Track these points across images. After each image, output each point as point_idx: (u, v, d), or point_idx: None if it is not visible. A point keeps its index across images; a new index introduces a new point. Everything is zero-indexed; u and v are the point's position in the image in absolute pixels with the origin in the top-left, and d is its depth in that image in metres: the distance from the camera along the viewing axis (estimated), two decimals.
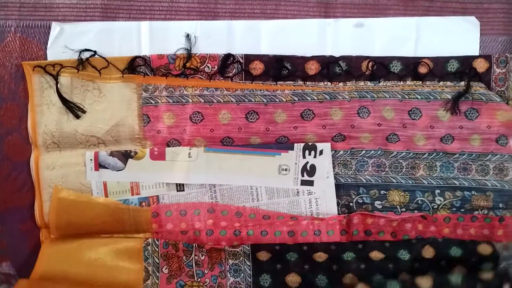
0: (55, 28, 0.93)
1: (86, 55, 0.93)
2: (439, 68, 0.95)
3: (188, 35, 0.93)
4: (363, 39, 0.97)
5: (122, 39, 0.94)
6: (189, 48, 0.93)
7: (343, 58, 0.95)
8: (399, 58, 0.95)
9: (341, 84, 0.96)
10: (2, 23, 0.94)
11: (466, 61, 0.95)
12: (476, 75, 0.95)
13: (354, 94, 0.95)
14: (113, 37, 0.94)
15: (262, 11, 0.96)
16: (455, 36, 0.97)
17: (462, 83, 0.95)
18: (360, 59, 0.95)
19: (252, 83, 0.95)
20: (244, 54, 0.94)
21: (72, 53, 0.93)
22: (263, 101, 0.94)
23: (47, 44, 0.93)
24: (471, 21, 0.97)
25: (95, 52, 0.92)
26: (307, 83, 0.95)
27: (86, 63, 0.92)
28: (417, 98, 0.95)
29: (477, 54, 0.97)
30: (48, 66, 0.91)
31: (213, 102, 0.94)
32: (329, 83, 0.96)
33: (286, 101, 0.95)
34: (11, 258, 0.96)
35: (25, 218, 0.95)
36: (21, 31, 0.93)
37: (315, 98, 0.95)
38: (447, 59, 0.95)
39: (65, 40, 0.93)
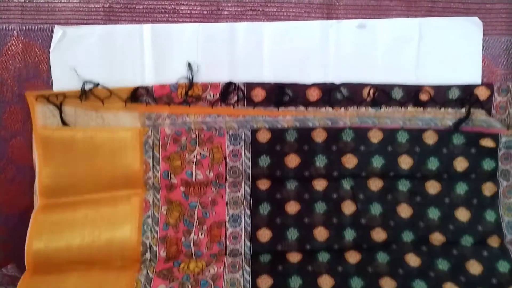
0: (58, 31, 0.93)
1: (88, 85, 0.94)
2: (440, 96, 0.96)
3: (189, 64, 0.93)
4: (366, 40, 0.97)
5: (125, 42, 0.94)
6: (190, 77, 0.93)
7: (344, 84, 0.95)
8: (400, 86, 0.95)
9: (342, 109, 0.96)
10: (5, 26, 0.94)
11: (467, 89, 0.96)
12: (477, 101, 0.95)
13: (355, 120, 0.95)
14: (115, 40, 0.94)
15: (265, 13, 0.96)
16: (458, 37, 0.97)
17: (463, 109, 0.95)
18: (361, 86, 0.95)
19: (254, 109, 0.95)
20: (246, 82, 0.94)
21: (76, 57, 0.94)
22: (265, 127, 0.95)
23: (50, 47, 0.94)
24: (474, 22, 0.97)
25: (97, 84, 0.93)
26: (309, 109, 0.96)
27: (89, 93, 0.93)
28: (419, 124, 0.95)
29: (480, 54, 0.97)
30: (51, 96, 0.92)
31: (216, 128, 0.95)
32: (330, 109, 0.96)
33: (288, 126, 0.95)
34: (16, 261, 0.96)
35: (29, 222, 0.94)
36: (23, 35, 0.94)
37: (317, 123, 0.95)
38: (448, 87, 0.96)
39: (68, 43, 0.94)
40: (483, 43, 0.97)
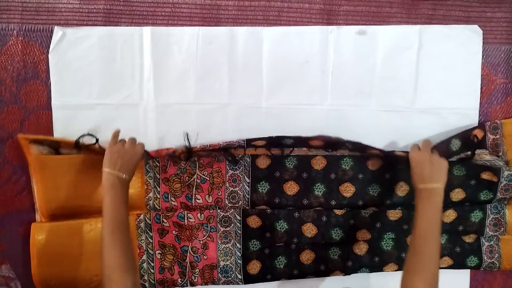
0: (58, 32, 0.93)
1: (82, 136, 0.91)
2: (443, 150, 0.95)
3: (187, 135, 0.94)
4: (366, 47, 0.97)
5: (124, 44, 0.94)
6: (189, 146, 0.93)
7: (349, 142, 0.94)
8: (405, 152, 0.91)
9: (346, 151, 0.97)
10: (4, 26, 0.94)
11: (465, 135, 0.96)
12: (478, 142, 0.96)
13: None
14: (115, 42, 0.94)
15: (265, 18, 0.96)
16: (458, 45, 0.97)
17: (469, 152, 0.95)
18: (368, 148, 0.94)
19: (255, 149, 0.95)
20: (246, 139, 0.93)
21: (75, 58, 0.94)
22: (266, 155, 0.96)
23: (49, 48, 0.93)
24: (474, 30, 0.97)
25: (97, 139, 0.91)
26: (311, 149, 0.96)
27: (84, 147, 0.91)
28: None
29: (480, 63, 0.98)
30: (46, 141, 0.91)
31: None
32: (334, 152, 0.97)
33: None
34: (11, 261, 0.96)
35: (24, 221, 0.95)
36: (23, 35, 0.94)
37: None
38: (449, 141, 0.96)
39: (67, 44, 0.93)
40: (482, 51, 0.97)
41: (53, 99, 0.94)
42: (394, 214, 0.96)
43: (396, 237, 0.97)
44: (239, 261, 0.96)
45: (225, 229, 0.96)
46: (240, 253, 0.96)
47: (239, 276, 0.97)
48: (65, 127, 0.95)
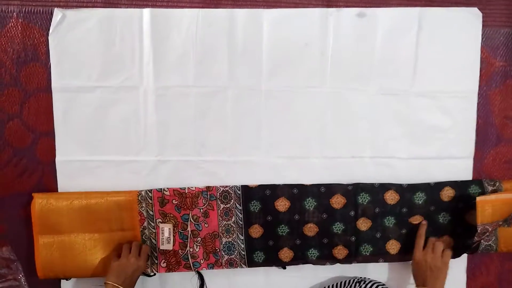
0: (57, 14, 0.93)
1: None
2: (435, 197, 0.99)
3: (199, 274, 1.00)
4: (365, 29, 0.96)
5: (124, 26, 0.94)
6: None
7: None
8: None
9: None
10: (4, 8, 0.93)
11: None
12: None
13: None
14: (115, 23, 0.94)
15: (265, 0, 0.95)
16: (458, 28, 0.97)
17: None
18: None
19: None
20: (241, 185, 0.97)
21: (74, 40, 0.93)
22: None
23: (49, 30, 0.93)
24: (474, 13, 0.96)
25: None
26: None
27: None
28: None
29: (479, 46, 0.98)
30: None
31: None
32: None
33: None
34: (12, 243, 0.97)
35: (24, 204, 0.96)
36: (23, 17, 0.93)
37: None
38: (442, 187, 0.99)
39: (67, 26, 0.93)
40: (482, 34, 0.97)
41: (53, 82, 0.94)
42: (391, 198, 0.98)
43: (397, 219, 0.99)
44: (240, 222, 0.96)
45: (225, 206, 0.97)
46: (241, 214, 0.96)
47: (241, 237, 0.96)
48: (65, 109, 0.95)
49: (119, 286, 0.87)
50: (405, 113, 0.99)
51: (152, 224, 0.96)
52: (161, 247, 0.97)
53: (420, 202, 0.99)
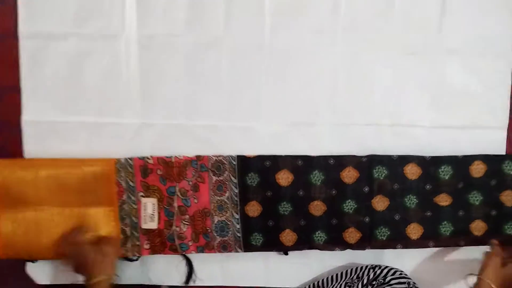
0: None
1: None
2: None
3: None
4: None
5: None
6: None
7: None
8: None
9: None
10: None
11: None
12: None
13: None
14: None
15: None
16: None
17: None
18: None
19: None
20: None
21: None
22: None
23: None
24: None
25: None
26: None
27: None
28: None
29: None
30: None
31: None
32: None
33: None
34: None
35: None
36: None
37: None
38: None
39: None
40: None
41: (20, 26, 0.82)
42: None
43: (419, 198, 0.87)
44: (235, 198, 0.85)
45: (218, 178, 0.85)
46: (237, 188, 0.85)
47: (236, 216, 0.85)
48: (33, 60, 0.83)
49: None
50: (430, 76, 0.88)
51: (133, 198, 0.84)
52: (144, 226, 0.84)
53: (447, 178, 0.86)
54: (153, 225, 0.85)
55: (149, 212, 0.85)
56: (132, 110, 0.85)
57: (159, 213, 0.85)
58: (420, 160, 0.86)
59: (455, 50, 0.87)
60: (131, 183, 0.84)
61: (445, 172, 0.86)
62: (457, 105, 0.89)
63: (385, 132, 0.88)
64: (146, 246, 0.86)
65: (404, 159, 0.86)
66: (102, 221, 0.84)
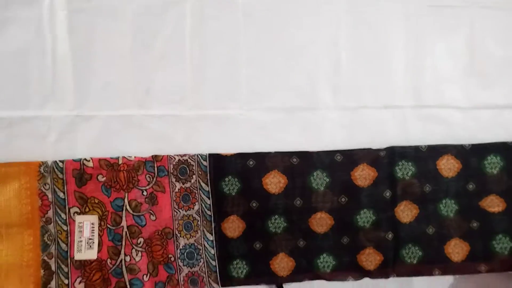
0: None
1: None
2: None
3: None
4: None
5: None
6: None
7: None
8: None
9: None
10: None
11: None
12: None
13: None
14: None
15: None
16: None
17: None
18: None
19: None
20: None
21: None
22: None
23: None
24: None
25: None
26: None
27: None
28: None
29: None
30: None
31: None
32: None
33: None
34: None
35: None
36: None
37: None
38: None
39: None
40: None
41: None
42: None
43: (460, 202, 0.73)
44: (207, 212, 0.71)
45: (183, 185, 0.71)
46: (210, 199, 0.71)
47: (210, 237, 0.72)
48: None
49: None
50: (464, 41, 0.76)
51: (63, 216, 0.69)
52: (77, 257, 0.68)
53: (495, 172, 0.75)
54: (91, 254, 0.69)
55: (86, 236, 0.69)
56: (61, 99, 0.72)
57: (100, 236, 0.70)
58: (458, 151, 0.74)
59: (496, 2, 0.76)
60: (60, 194, 0.69)
61: (493, 165, 0.74)
62: (502, 78, 0.77)
63: (407, 116, 0.76)
64: (79, 286, 0.68)
65: (436, 151, 0.74)
66: (13, 250, 0.67)
